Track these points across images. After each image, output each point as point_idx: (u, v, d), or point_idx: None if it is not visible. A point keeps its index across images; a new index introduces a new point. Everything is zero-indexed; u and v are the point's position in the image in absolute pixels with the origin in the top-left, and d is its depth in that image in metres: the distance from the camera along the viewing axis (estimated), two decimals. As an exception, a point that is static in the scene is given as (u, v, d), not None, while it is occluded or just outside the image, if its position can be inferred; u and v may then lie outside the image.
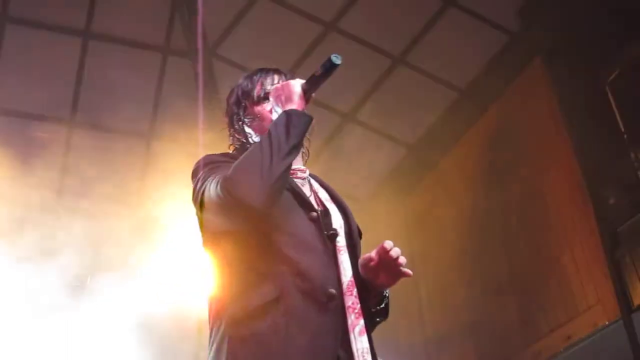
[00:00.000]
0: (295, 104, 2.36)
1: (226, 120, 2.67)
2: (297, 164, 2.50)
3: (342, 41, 8.12)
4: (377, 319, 2.43)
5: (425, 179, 9.34)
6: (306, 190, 2.44)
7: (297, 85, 2.41)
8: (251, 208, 2.14)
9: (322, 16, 8.07)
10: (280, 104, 2.40)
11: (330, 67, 2.36)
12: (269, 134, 2.25)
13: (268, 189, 2.16)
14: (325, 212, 2.39)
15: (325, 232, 2.31)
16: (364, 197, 9.64)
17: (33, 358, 8.23)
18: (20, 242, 8.05)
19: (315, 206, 2.38)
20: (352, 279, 2.25)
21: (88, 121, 8.88)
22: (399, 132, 9.16)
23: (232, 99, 2.65)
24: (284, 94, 2.40)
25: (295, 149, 2.27)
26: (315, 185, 2.53)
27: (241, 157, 2.25)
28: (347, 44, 8.12)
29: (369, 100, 8.75)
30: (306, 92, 2.41)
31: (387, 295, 2.43)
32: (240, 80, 2.69)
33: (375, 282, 2.33)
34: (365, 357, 2.14)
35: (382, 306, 2.41)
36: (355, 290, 2.23)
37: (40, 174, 8.45)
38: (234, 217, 2.20)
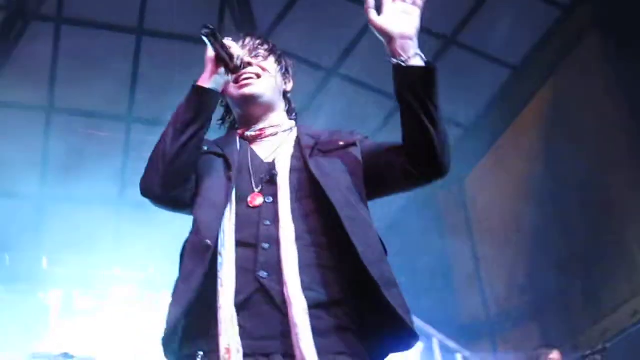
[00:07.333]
0: (205, 71, 2.36)
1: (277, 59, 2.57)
2: (270, 120, 2.47)
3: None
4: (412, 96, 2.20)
5: (483, 159, 9.26)
6: (265, 148, 2.39)
7: (209, 50, 2.36)
8: (154, 197, 2.27)
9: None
10: None
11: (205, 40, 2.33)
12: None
13: (164, 173, 2.24)
14: (271, 165, 2.32)
15: (264, 177, 2.28)
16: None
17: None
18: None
19: (252, 161, 2.34)
20: (291, 226, 2.16)
21: (145, 117, 9.03)
22: (454, 113, 9.10)
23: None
24: None
25: (192, 124, 2.28)
26: (290, 139, 2.42)
27: None
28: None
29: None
30: (218, 57, 2.33)
31: (403, 62, 2.21)
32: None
33: (393, 36, 2.21)
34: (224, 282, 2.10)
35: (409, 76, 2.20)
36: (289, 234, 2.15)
37: (100, 168, 8.64)
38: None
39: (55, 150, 8.98)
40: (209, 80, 2.34)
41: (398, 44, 2.22)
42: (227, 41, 2.37)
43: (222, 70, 2.35)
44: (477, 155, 9.29)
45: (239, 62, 2.38)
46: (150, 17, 8.44)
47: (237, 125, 2.53)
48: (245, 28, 8.25)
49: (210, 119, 2.36)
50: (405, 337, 2.11)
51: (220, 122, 2.59)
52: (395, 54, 2.22)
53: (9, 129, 8.51)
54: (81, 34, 8.39)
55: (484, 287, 8.95)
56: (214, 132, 2.51)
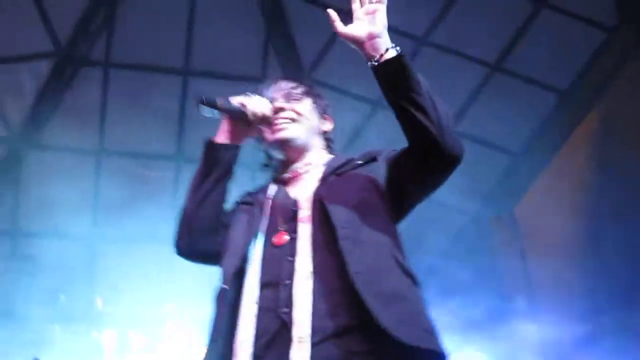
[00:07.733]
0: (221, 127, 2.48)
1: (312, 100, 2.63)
2: (306, 161, 2.47)
3: (435, 55, 8.08)
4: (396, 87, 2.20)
5: (534, 185, 9.14)
6: (299, 187, 2.39)
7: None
8: (181, 253, 2.41)
9: (412, 31, 8.04)
10: None
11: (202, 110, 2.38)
12: None
13: (186, 228, 2.37)
14: (296, 202, 2.30)
15: (288, 215, 2.27)
16: (471, 209, 9.52)
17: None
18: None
19: (283, 202, 2.33)
20: (308, 258, 2.14)
21: (194, 156, 9.10)
22: (502, 140, 9.02)
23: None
24: None
25: (206, 178, 2.38)
26: (315, 176, 2.40)
27: None
28: (441, 57, 8.07)
29: (468, 111, 8.65)
30: (232, 118, 2.45)
31: (378, 62, 2.22)
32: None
33: (362, 40, 2.23)
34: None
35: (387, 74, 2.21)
36: (304, 274, 2.13)
37: (150, 207, 8.73)
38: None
39: (106, 191, 9.10)
40: (223, 134, 2.44)
41: (368, 45, 2.22)
42: (241, 98, 2.44)
43: (236, 124, 2.43)
44: (528, 182, 9.16)
45: (259, 116, 2.41)
46: (195, 58, 8.56)
47: (278, 170, 2.54)
48: (290, 64, 8.33)
49: (229, 172, 2.41)
50: (403, 352, 1.99)
51: (263, 167, 2.64)
52: (368, 57, 2.23)
53: (61, 171, 8.67)
54: (129, 77, 8.55)
55: (540, 318, 8.77)
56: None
